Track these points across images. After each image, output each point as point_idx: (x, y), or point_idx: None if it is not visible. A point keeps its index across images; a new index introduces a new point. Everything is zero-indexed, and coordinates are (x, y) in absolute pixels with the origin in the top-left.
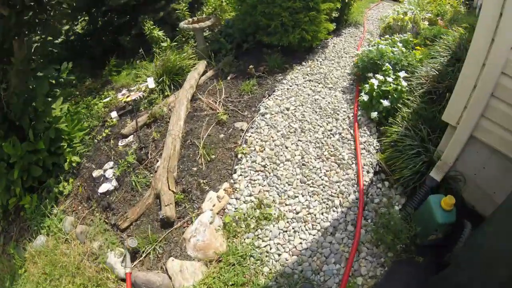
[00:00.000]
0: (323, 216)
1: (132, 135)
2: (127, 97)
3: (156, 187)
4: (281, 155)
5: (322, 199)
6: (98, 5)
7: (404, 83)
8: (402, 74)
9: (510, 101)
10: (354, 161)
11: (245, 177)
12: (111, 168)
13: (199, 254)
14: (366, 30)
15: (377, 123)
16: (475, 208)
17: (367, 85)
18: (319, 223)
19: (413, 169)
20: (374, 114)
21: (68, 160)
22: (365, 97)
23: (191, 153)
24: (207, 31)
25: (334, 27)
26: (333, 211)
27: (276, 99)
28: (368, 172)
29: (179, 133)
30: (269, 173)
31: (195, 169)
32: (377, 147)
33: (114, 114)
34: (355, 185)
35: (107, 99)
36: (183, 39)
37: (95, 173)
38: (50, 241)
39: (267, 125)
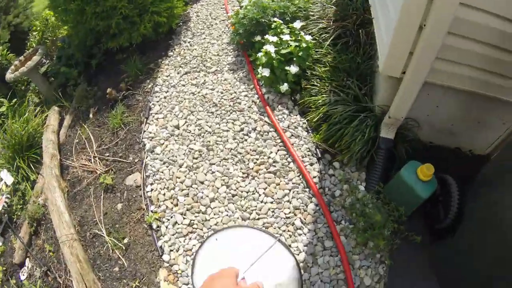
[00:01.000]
0: (291, 248)
1: (28, 258)
2: None
3: None
4: (202, 197)
5: (279, 228)
6: None
7: (308, 37)
8: (297, 24)
9: (469, 34)
10: (289, 159)
11: (177, 251)
12: None
13: None
14: None
15: (290, 95)
16: (434, 143)
17: (261, 55)
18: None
19: (362, 139)
20: (284, 87)
21: None
22: (265, 72)
23: (100, 248)
24: (45, 63)
25: None
26: (299, 235)
27: (158, 119)
28: (311, 164)
29: (73, 234)
30: (201, 230)
31: (116, 269)
32: (306, 126)
33: None
34: (307, 189)
35: None
36: (22, 87)
37: None
38: None
39: (164, 163)
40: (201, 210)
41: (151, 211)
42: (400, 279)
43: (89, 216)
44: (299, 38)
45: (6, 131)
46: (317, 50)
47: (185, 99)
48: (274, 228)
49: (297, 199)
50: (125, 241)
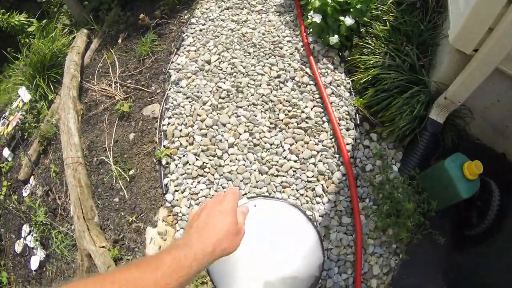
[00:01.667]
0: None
1: (33, 176)
2: (7, 125)
3: (83, 247)
4: (220, 141)
5: (297, 191)
6: None
7: None
8: None
9: None
10: (325, 118)
11: (182, 193)
12: (29, 233)
13: None
14: None
15: (338, 49)
16: (481, 141)
17: (315, 1)
18: None
19: (409, 115)
20: (334, 39)
21: None
22: (316, 18)
23: (104, 176)
24: None
25: None
26: (317, 203)
27: (189, 51)
28: (348, 129)
29: (79, 157)
30: (213, 175)
31: (116, 199)
32: (350, 87)
33: (6, 152)
34: (337, 155)
35: None
36: (55, 9)
37: (17, 247)
38: None
39: (187, 98)
40: (216, 154)
41: (164, 146)
42: (407, 276)
43: (99, 141)
44: None
45: (30, 49)
46: (378, 6)
47: (222, 34)
48: (292, 190)
49: (323, 164)
50: (131, 172)
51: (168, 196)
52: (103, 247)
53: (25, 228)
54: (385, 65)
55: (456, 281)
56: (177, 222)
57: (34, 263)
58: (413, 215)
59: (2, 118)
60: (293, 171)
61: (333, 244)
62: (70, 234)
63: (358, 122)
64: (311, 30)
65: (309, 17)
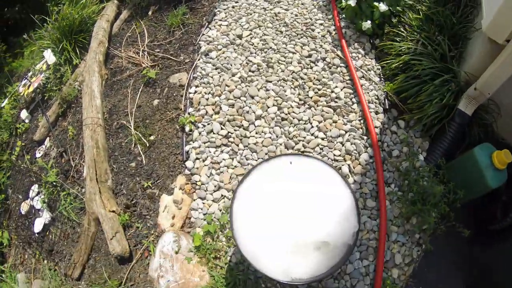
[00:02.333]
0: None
1: (48, 138)
2: (29, 86)
3: (92, 211)
4: (248, 112)
5: None
6: None
7: None
8: None
9: None
10: (355, 99)
11: (204, 161)
12: (38, 194)
13: None
14: None
15: (370, 36)
16: (506, 141)
17: None
18: None
19: (439, 102)
20: (367, 25)
21: None
22: (351, 1)
23: (122, 140)
24: None
25: None
26: None
27: (221, 25)
28: (376, 113)
29: (99, 119)
30: (237, 146)
31: (133, 164)
32: (380, 73)
33: (24, 113)
34: (365, 137)
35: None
36: None
37: (23, 208)
38: None
39: (216, 69)
40: (242, 125)
41: (188, 113)
42: (428, 269)
43: (121, 106)
44: None
45: (57, 18)
46: None
47: (254, 12)
48: None
49: (351, 144)
50: (151, 138)
51: (188, 163)
52: (113, 211)
53: (34, 188)
54: (417, 52)
55: (476, 276)
56: (194, 191)
57: (38, 225)
58: (439, 204)
59: (24, 79)
60: (320, 148)
61: None
62: (79, 197)
63: (387, 107)
64: (343, 15)
65: (343, 0)
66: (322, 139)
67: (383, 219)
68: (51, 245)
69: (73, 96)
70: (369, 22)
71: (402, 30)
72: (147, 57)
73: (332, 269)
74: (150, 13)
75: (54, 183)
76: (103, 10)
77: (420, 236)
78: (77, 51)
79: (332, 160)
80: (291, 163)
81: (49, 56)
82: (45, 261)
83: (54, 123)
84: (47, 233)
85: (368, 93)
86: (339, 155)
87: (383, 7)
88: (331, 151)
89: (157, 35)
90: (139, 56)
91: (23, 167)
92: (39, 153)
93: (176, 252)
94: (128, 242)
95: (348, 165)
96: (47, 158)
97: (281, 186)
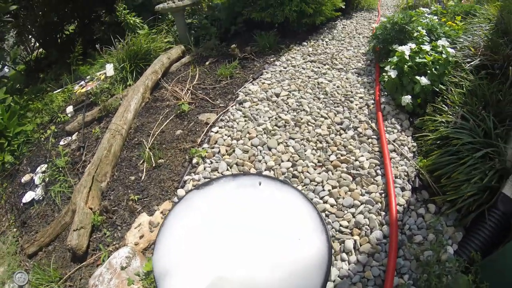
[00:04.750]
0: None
1: (77, 133)
2: (83, 88)
3: (74, 201)
4: (259, 161)
5: None
6: None
7: (451, 50)
8: (442, 42)
9: None
10: (379, 171)
11: None
12: (43, 172)
13: None
14: (381, 14)
15: (409, 113)
16: None
17: (394, 58)
18: None
19: (478, 182)
20: (407, 99)
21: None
22: (392, 73)
23: (134, 155)
24: (192, 17)
25: (343, 5)
26: (342, 260)
27: (263, 83)
28: (403, 189)
29: (123, 128)
30: None
31: (132, 178)
32: (414, 149)
33: (70, 108)
34: (383, 213)
35: (57, 91)
36: (166, 26)
37: (24, 178)
38: None
39: (244, 117)
40: (249, 171)
41: (202, 148)
42: None
43: (147, 127)
44: (441, 50)
45: (128, 42)
46: (456, 73)
47: (298, 78)
48: None
49: (364, 217)
50: (160, 161)
51: (180, 192)
52: (90, 208)
53: (43, 166)
54: (457, 125)
55: None
56: None
57: (28, 197)
58: None
59: (82, 81)
60: (326, 215)
61: None
62: (72, 189)
63: (417, 186)
64: (384, 89)
65: (386, 71)
66: (332, 205)
67: None
68: (27, 218)
69: (114, 107)
70: (409, 97)
71: (442, 105)
72: (189, 95)
73: None
74: (207, 63)
75: (60, 169)
76: (169, 50)
77: None
78: (134, 74)
79: (336, 231)
80: (260, 184)
81: (110, 69)
82: (15, 229)
83: (88, 123)
84: (31, 207)
85: (397, 167)
86: (346, 227)
87: (424, 80)
88: (338, 221)
89: (205, 80)
90: (182, 92)
91: (45, 148)
92: (64, 141)
93: (122, 268)
94: (89, 243)
95: (355, 240)
96: (66, 148)
97: (235, 212)
